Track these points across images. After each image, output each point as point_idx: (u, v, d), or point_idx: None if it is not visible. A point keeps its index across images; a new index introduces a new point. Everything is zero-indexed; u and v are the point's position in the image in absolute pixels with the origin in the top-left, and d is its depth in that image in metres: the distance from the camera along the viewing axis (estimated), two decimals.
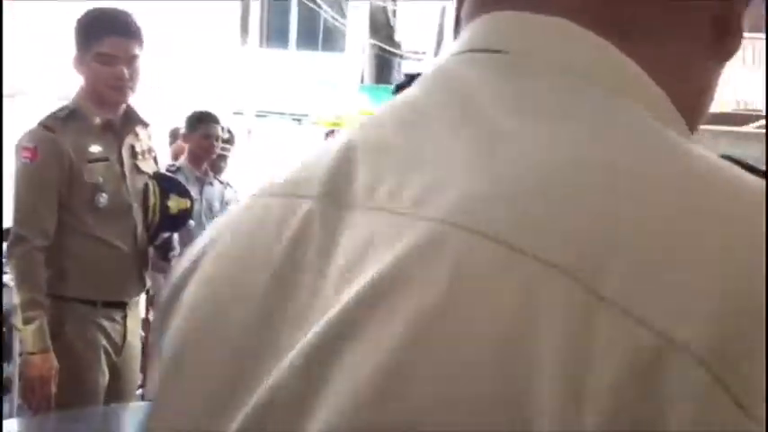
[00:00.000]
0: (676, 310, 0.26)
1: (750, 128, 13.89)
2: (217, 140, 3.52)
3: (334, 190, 0.35)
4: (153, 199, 2.22)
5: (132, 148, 2.21)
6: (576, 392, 0.25)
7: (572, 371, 0.26)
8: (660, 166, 0.30)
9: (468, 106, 0.34)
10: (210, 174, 3.56)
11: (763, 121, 12.89)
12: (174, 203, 2.28)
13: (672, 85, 0.36)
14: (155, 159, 2.36)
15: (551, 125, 0.32)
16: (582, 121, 0.33)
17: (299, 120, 14.21)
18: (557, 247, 0.28)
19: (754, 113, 12.92)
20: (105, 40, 2.05)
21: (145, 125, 2.28)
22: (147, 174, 2.25)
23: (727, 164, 0.31)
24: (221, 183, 3.67)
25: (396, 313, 0.29)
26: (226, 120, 3.77)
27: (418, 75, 0.39)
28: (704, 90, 0.40)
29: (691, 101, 0.38)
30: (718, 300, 0.25)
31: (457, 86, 0.36)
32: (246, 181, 4.35)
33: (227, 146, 3.86)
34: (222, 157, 3.75)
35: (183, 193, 2.36)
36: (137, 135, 2.24)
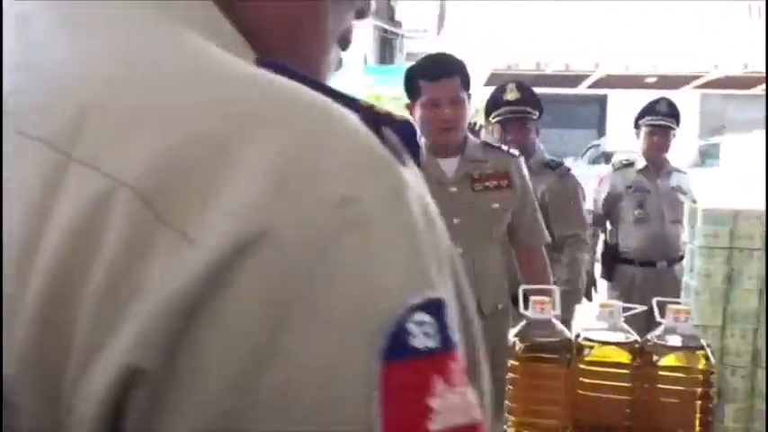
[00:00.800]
0: (126, 157, 0.31)
1: (757, 90, 13.79)
2: None
3: None
4: None
5: None
6: (30, 255, 0.31)
7: (33, 226, 0.31)
8: (149, 55, 0.35)
9: (24, 11, 0.39)
10: None
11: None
12: None
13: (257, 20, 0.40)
14: None
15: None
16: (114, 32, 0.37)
17: None
18: (40, 122, 0.34)
19: (761, 75, 12.82)
20: None
21: None
22: None
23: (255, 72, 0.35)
24: None
25: None
26: None
27: None
28: (303, 24, 0.43)
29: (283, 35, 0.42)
30: (160, 147, 0.31)
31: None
32: None
33: None
34: None
35: None
36: None
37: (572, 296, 2.65)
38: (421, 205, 0.33)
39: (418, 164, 0.38)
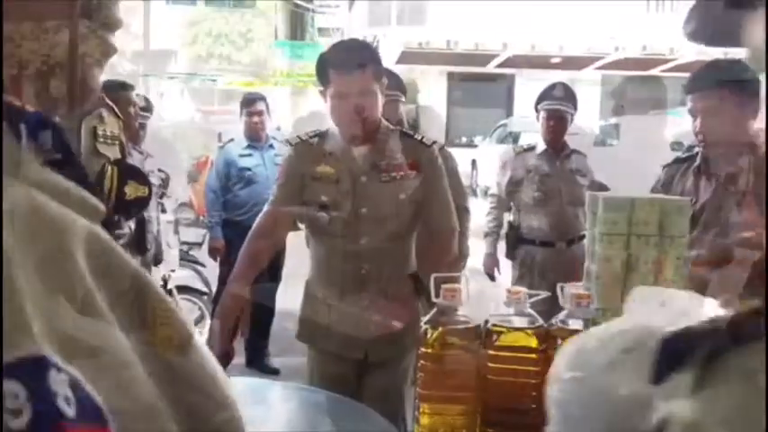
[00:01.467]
0: None
1: (656, 71, 14.44)
2: (135, 107, 3.37)
3: None
4: (108, 183, 2.28)
5: (94, 129, 2.33)
6: None
7: None
8: None
9: None
10: (129, 144, 3.42)
11: (669, 65, 13.40)
12: (132, 190, 2.36)
13: None
14: (121, 147, 2.48)
15: None
16: None
17: (213, 80, 13.81)
18: None
19: (660, 57, 13.43)
20: None
21: (115, 113, 2.43)
22: (107, 157, 2.33)
23: None
24: (141, 153, 3.53)
25: None
26: (136, 84, 3.62)
27: None
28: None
29: None
30: None
31: None
32: (164, 149, 4.24)
33: (146, 114, 3.72)
34: (141, 126, 3.62)
35: (142, 181, 2.43)
36: (101, 118, 2.35)
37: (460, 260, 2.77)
38: (39, 225, 0.32)
39: (64, 151, 0.39)
